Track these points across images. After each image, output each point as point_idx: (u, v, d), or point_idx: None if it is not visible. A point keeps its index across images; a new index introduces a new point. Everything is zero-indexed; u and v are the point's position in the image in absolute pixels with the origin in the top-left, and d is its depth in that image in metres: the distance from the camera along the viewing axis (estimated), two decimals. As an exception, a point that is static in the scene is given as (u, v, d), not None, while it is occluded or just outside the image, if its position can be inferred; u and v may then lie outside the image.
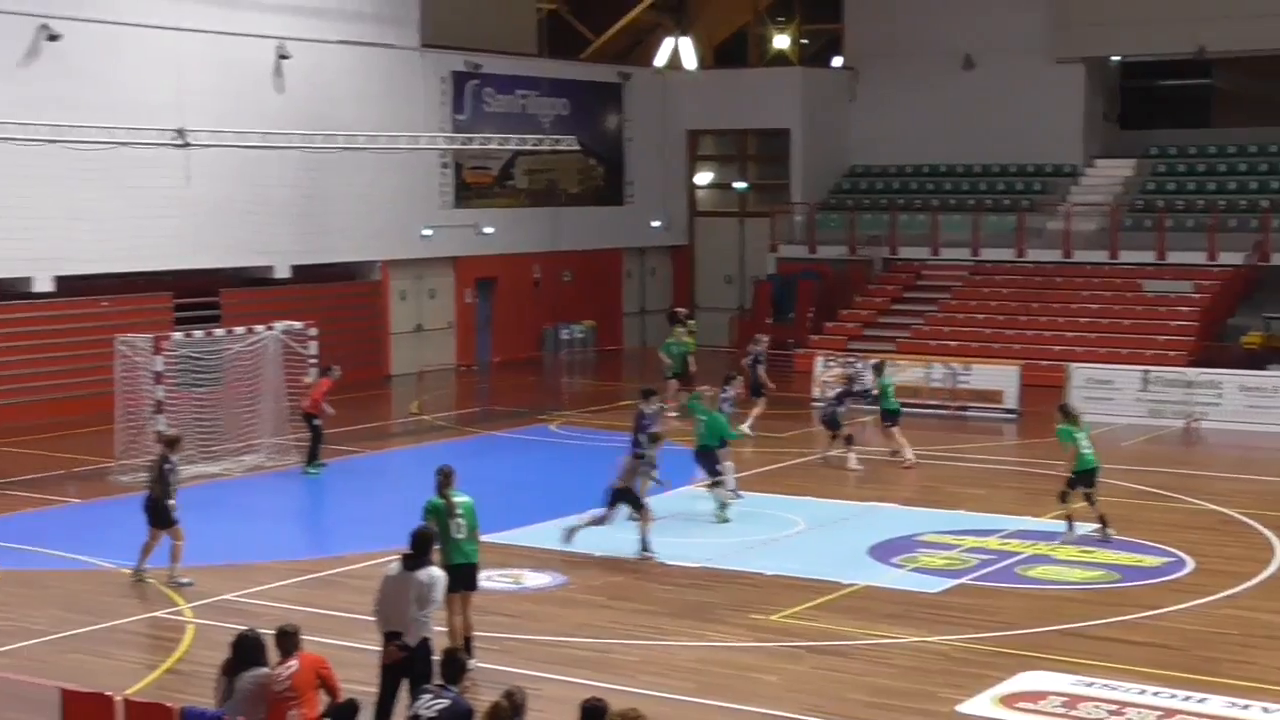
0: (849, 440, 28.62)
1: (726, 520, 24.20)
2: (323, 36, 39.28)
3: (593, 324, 47.94)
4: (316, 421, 28.25)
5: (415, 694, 11.90)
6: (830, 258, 46.55)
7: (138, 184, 35.00)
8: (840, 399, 29.13)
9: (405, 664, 14.24)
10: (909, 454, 28.63)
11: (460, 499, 17.04)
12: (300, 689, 12.67)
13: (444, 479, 17.11)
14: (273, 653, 12.99)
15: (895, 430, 29.01)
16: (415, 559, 14.54)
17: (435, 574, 14.54)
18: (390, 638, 14.34)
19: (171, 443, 21.26)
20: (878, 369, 30.08)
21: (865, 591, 20.15)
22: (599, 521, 21.88)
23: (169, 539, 20.49)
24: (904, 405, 30.27)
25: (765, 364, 33.52)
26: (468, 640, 16.71)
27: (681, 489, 25.47)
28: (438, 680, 11.87)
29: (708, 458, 24.79)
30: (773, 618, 18.90)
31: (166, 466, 20.72)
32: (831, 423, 28.95)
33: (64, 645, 17.85)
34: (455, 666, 11.96)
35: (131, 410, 27.81)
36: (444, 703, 11.60)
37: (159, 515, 20.55)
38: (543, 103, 45.53)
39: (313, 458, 28.12)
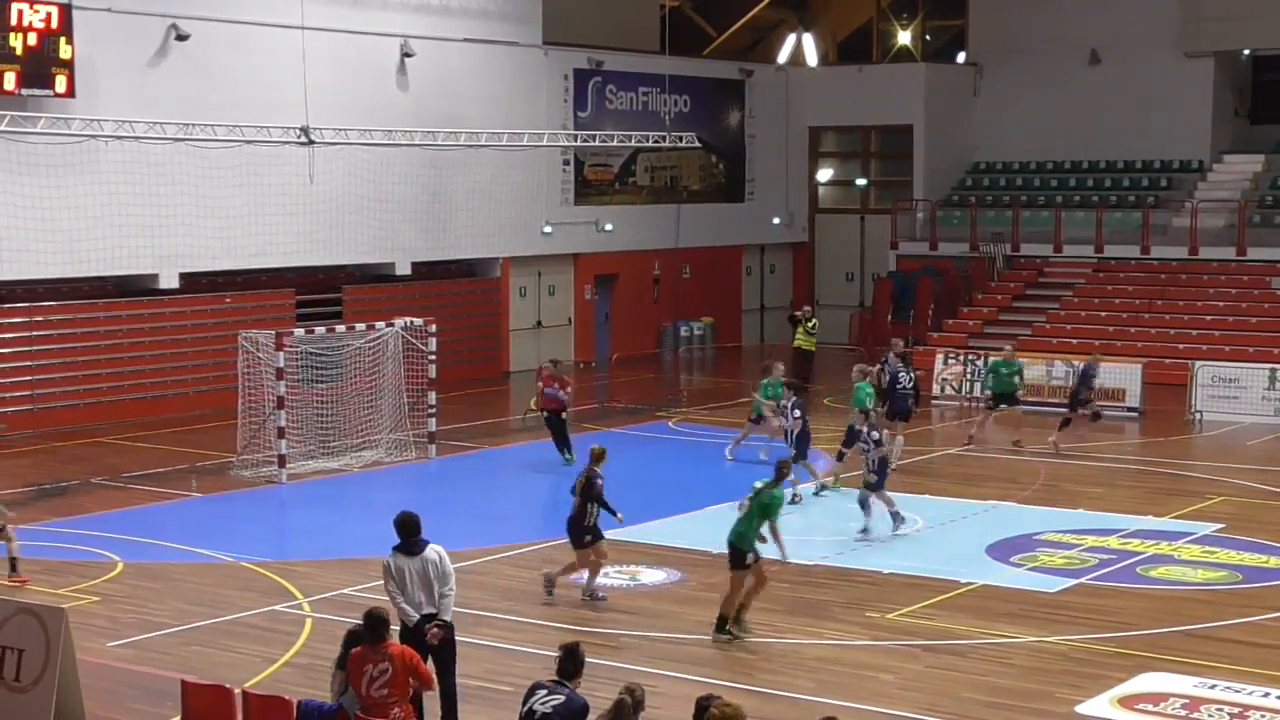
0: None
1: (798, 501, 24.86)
2: (446, 34, 39.52)
3: (712, 321, 47.87)
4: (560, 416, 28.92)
5: (530, 689, 11.87)
6: (952, 255, 46.15)
7: (262, 182, 35.41)
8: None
9: (443, 644, 14.33)
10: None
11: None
12: (397, 691, 12.61)
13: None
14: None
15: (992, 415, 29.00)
16: (415, 542, 14.45)
17: (441, 550, 14.54)
18: (425, 620, 14.22)
19: (598, 457, 20.40)
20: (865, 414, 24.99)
21: (983, 590, 19.95)
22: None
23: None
24: (1026, 403, 29.94)
25: (907, 372, 30.14)
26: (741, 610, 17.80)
27: (799, 486, 25.34)
28: (552, 676, 11.86)
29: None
30: (889, 616, 18.77)
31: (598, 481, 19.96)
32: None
33: (185, 637, 18.07)
34: (572, 662, 11.92)
35: (253, 406, 28.13)
36: (559, 698, 11.56)
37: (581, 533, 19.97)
38: (664, 100, 45.51)
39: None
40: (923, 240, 47.20)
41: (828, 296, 49.70)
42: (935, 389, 36.52)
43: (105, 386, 33.54)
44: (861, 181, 51.57)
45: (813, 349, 38.63)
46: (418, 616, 14.24)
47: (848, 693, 15.92)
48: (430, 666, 13.39)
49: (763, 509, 18.16)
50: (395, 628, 13.22)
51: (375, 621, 12.74)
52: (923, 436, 31.74)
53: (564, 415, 28.90)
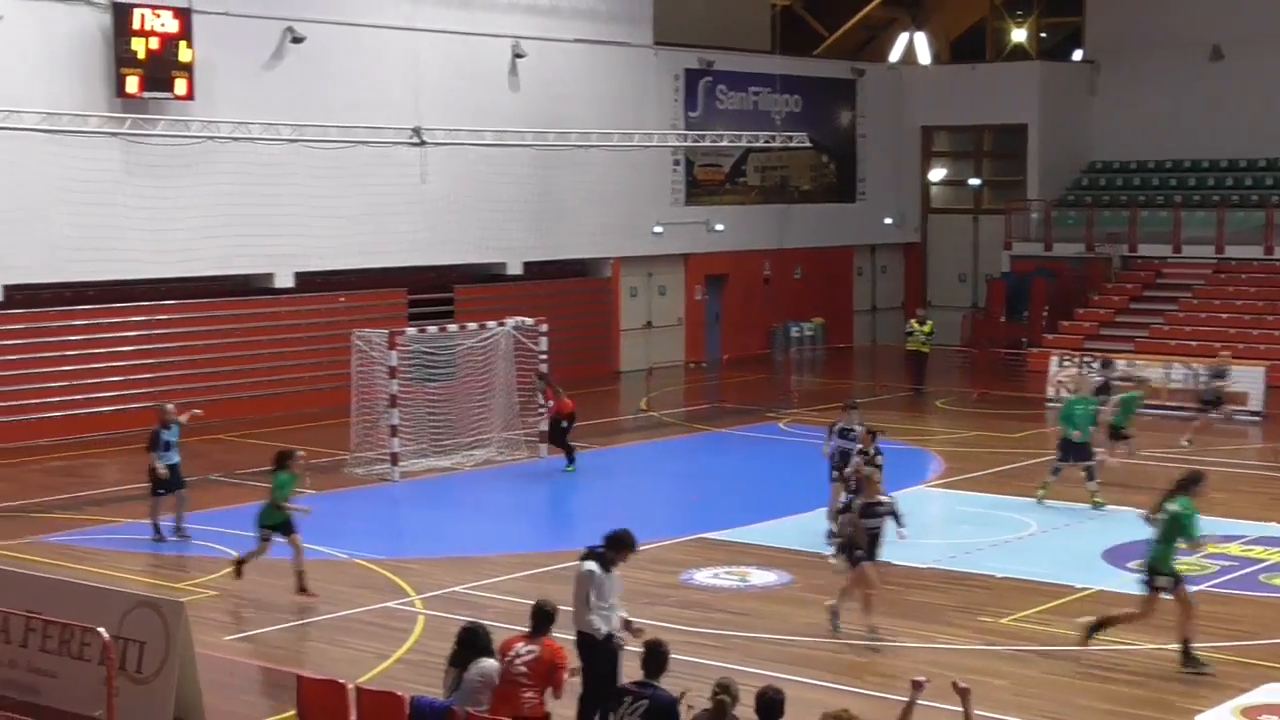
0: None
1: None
2: (557, 35, 39.64)
3: (822, 321, 47.69)
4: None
5: (614, 696, 11.88)
6: (1067, 255, 45.65)
7: (375, 182, 35.69)
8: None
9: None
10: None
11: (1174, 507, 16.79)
12: (536, 676, 12.71)
13: None
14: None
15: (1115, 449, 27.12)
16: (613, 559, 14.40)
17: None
18: (608, 638, 14.13)
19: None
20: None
21: (1099, 596, 19.68)
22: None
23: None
24: (1145, 406, 29.47)
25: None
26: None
27: (911, 489, 25.17)
28: (633, 680, 11.87)
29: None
30: (1003, 621, 18.59)
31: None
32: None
33: (300, 633, 18.25)
34: (656, 660, 11.94)
35: (366, 404, 28.34)
36: (644, 703, 11.59)
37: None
38: (775, 99, 45.39)
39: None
40: (1037, 241, 46.73)
41: (940, 298, 49.33)
42: (1050, 392, 36.15)
43: (222, 384, 33.93)
44: (975, 181, 51.19)
45: (927, 350, 38.35)
46: (607, 630, 14.15)
47: (958, 697, 15.73)
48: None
49: (1177, 525, 16.81)
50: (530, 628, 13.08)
51: (539, 612, 13.02)
52: (1037, 440, 31.40)
53: (563, 425, 28.52)
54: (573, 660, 13.54)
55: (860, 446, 22.28)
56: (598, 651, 14.04)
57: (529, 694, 12.70)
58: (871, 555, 18.14)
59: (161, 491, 22.70)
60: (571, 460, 28.24)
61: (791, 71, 45.84)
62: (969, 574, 20.86)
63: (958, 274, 50.26)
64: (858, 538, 18.08)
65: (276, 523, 19.92)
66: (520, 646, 12.88)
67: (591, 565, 14.34)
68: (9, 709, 15.01)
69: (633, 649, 13.29)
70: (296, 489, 20.04)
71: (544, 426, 29.04)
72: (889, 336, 49.45)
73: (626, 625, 14.42)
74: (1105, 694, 16.04)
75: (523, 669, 12.73)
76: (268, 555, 21.48)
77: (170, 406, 23.39)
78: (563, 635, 13.39)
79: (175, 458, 22.81)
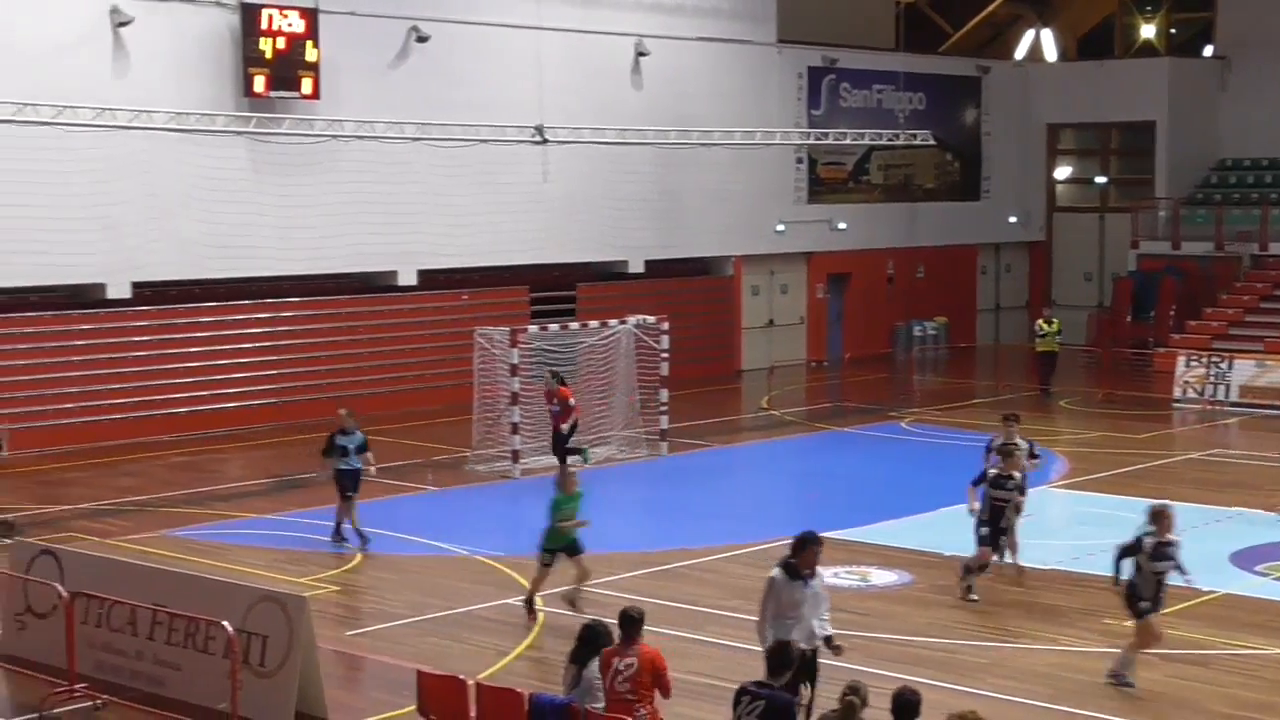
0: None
1: None
2: (680, 34, 39.64)
3: (946, 320, 47.34)
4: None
5: (736, 696, 11.82)
6: (1195, 254, 44.94)
7: (498, 180, 35.89)
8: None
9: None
10: None
11: None
12: (640, 687, 12.57)
13: None
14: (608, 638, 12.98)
15: None
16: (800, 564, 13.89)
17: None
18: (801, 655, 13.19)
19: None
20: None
21: (1226, 599, 19.39)
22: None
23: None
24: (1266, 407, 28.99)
25: None
26: None
27: (1036, 489, 24.88)
28: (755, 679, 11.81)
29: None
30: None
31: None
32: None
33: (420, 628, 18.35)
34: (779, 659, 11.88)
35: (488, 401, 28.48)
36: (761, 703, 11.55)
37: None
38: (899, 97, 45.12)
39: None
40: (1165, 239, 46.05)
41: (1065, 297, 48.80)
42: (1176, 392, 35.70)
43: (345, 381, 34.24)
44: (1101, 179, 50.57)
45: (1058, 350, 37.87)
46: (775, 642, 13.03)
47: (1083, 701, 15.59)
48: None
49: None
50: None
51: (625, 619, 12.79)
52: (1164, 441, 31.00)
53: (563, 429, 27.05)
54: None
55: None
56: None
57: (642, 709, 12.49)
58: (1157, 605, 16.34)
59: (351, 494, 22.26)
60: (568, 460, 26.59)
61: (916, 69, 45.55)
62: (1093, 575, 20.52)
63: (1083, 273, 49.68)
64: (1143, 586, 16.25)
65: (561, 545, 18.75)
66: (618, 662, 12.62)
67: (774, 571, 13.86)
68: (136, 700, 15.25)
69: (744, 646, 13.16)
70: (571, 510, 18.81)
71: (566, 427, 27.00)
72: (1012, 336, 49.00)
73: (827, 641, 13.82)
74: (1232, 699, 15.78)
75: (626, 686, 12.54)
76: (389, 550, 21.69)
77: (344, 412, 22.92)
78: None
79: (355, 463, 22.30)
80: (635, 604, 13.30)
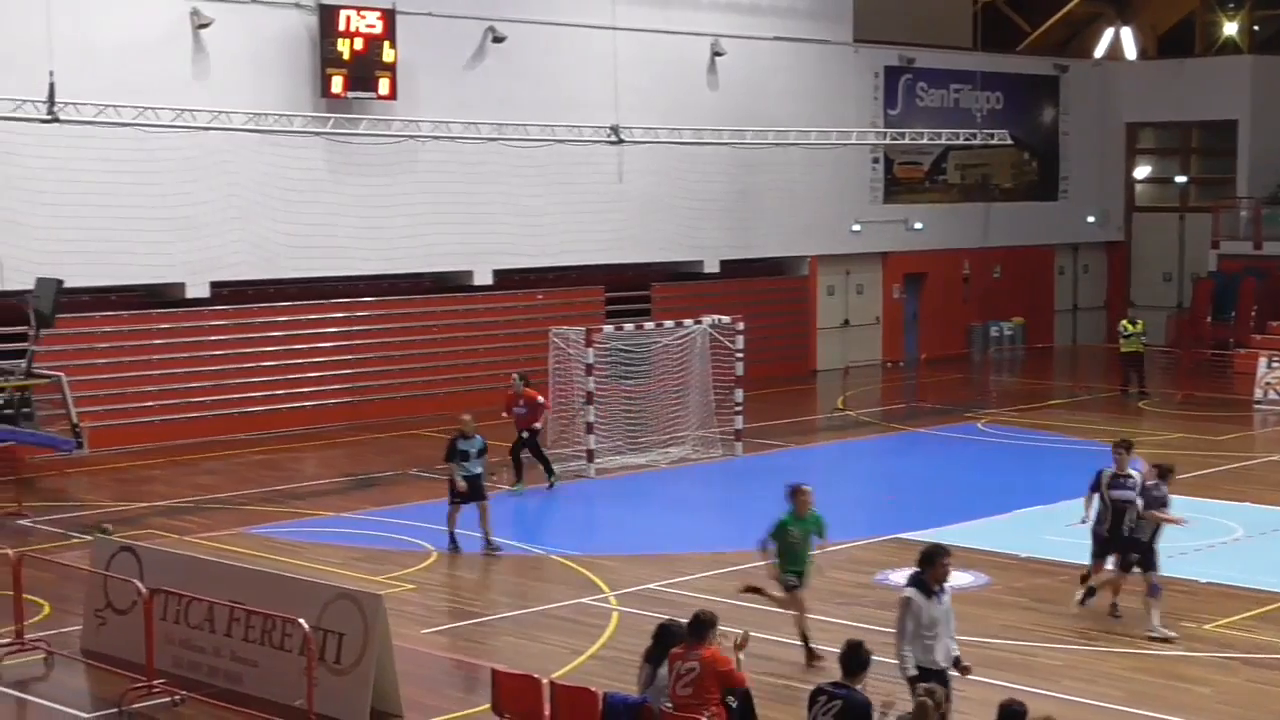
0: None
1: None
2: (756, 33, 39.59)
3: (1022, 321, 47.05)
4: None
5: (812, 695, 11.77)
6: (1277, 254, 44.46)
7: (573, 180, 35.96)
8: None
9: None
10: None
11: None
12: (701, 691, 12.48)
13: None
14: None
15: None
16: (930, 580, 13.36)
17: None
18: (921, 676, 12.93)
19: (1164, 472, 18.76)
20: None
21: (1309, 603, 19.17)
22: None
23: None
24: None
25: None
26: None
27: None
28: (832, 680, 11.76)
29: None
30: (1206, 627, 18.16)
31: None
32: None
33: (495, 627, 18.40)
34: (854, 660, 11.82)
35: (563, 401, 28.52)
36: (838, 703, 11.49)
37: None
38: (976, 96, 44.89)
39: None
40: (1246, 239, 45.60)
41: (1144, 297, 48.41)
42: (1258, 394, 35.36)
43: (421, 380, 34.43)
44: (1181, 179, 50.10)
45: (1143, 350, 37.46)
46: (915, 670, 13.03)
47: (1161, 704, 15.44)
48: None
49: None
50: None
51: (694, 622, 12.71)
52: (1244, 443, 30.69)
53: (529, 433, 26.10)
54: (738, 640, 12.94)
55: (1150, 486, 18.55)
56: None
57: (705, 713, 12.38)
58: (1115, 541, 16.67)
59: (457, 501, 21.93)
60: (521, 479, 26.17)
61: (993, 68, 45.32)
62: (1172, 579, 20.35)
63: (1162, 273, 49.24)
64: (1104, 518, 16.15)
65: (803, 567, 17.41)
66: (680, 665, 12.54)
67: (908, 591, 13.28)
68: (213, 696, 15.37)
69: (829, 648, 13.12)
70: (803, 532, 17.42)
71: (539, 426, 26.19)
72: (1090, 336, 48.65)
73: (955, 662, 13.43)
74: (1313, 705, 15.60)
75: (688, 690, 12.48)
76: (465, 549, 21.76)
77: (467, 417, 22.53)
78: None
79: (476, 469, 21.86)
80: (709, 607, 13.26)
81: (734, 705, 12.66)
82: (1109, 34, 50.17)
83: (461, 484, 21.82)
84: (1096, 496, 18.64)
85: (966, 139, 40.21)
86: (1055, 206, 48.29)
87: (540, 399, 26.23)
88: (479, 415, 32.99)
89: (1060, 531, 21.34)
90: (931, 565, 13.29)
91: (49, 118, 25.43)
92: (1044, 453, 30.05)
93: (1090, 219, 48.98)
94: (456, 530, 22.02)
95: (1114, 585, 18.57)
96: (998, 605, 19.17)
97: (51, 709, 15.61)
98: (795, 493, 17.36)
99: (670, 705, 12.50)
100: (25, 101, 25.58)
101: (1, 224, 27.79)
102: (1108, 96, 48.94)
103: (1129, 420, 33.58)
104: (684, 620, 13.19)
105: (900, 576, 20.33)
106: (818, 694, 11.69)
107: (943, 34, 45.78)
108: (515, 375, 26.46)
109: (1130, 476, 18.54)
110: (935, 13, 46.30)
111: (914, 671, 12.98)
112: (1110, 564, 18.62)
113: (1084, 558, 18.98)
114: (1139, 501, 18.19)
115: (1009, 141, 41.42)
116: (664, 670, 12.82)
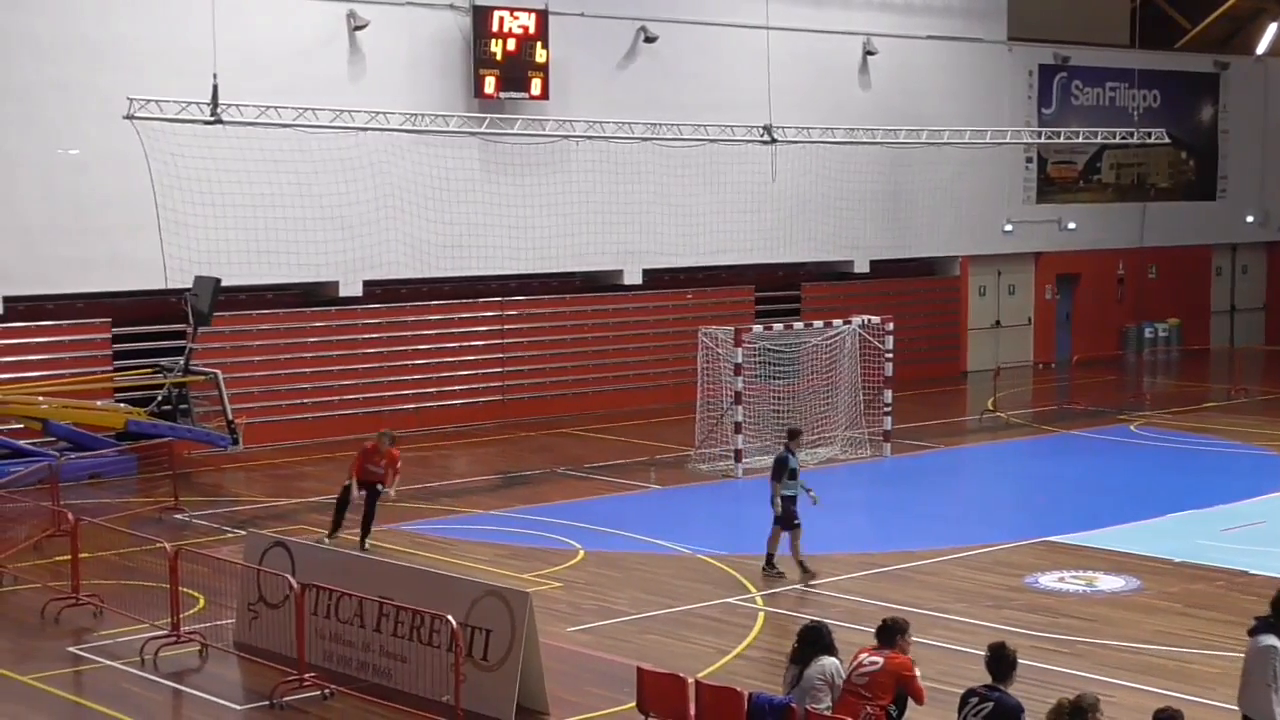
0: None
1: None
2: (909, 32, 39.35)
3: (1178, 322, 46.32)
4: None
5: (963, 698, 11.71)
6: None
7: (725, 180, 35.96)
8: None
9: None
10: None
11: None
12: (875, 689, 12.54)
13: None
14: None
15: None
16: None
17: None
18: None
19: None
20: None
21: None
22: None
23: None
24: None
25: None
26: None
27: (1269, 495, 24.27)
28: (984, 683, 11.67)
29: None
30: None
31: None
32: None
33: (641, 625, 18.45)
34: (999, 663, 11.73)
35: (711, 401, 28.55)
36: (989, 705, 11.42)
37: None
38: (1133, 95, 44.23)
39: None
40: None
41: (1306, 298, 47.52)
42: None
43: (570, 379, 34.62)
44: (1344, 178, 49.07)
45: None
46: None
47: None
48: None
49: None
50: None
51: (882, 627, 12.87)
52: None
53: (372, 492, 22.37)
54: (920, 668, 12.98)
55: None
56: None
57: (869, 708, 12.46)
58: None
59: (779, 524, 20.66)
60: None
61: (1150, 66, 44.63)
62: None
63: (1326, 275, 48.28)
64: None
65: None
66: (865, 658, 12.71)
67: (1271, 639, 12.05)
68: (362, 691, 15.58)
69: (975, 650, 13.01)
70: None
71: (383, 488, 22.36)
72: (1248, 338, 47.76)
73: None
74: None
75: (863, 680, 12.56)
76: (612, 548, 21.84)
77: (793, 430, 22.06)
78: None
79: (794, 489, 20.76)
80: (899, 615, 13.29)
81: (895, 716, 12.66)
82: (1272, 29, 49.18)
83: (777, 505, 20.66)
84: None
85: (1123, 138, 39.66)
86: (1213, 206, 47.47)
87: (399, 463, 22.70)
88: (626, 413, 33.26)
89: (1214, 536, 21.06)
90: None
91: (212, 119, 25.94)
92: (1198, 456, 29.57)
93: (1250, 218, 48.09)
94: (799, 557, 20.59)
95: None
96: (1150, 610, 18.90)
97: (206, 700, 15.91)
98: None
99: (821, 708, 12.49)
100: (190, 104, 26.10)
101: (166, 224, 28.31)
102: (1270, 94, 48.03)
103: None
104: (830, 622, 13.23)
105: (1050, 579, 20.21)
106: (969, 695, 11.63)
107: (1100, 32, 45.18)
108: (386, 432, 23.01)
109: None
110: (1092, 10, 45.70)
111: None
112: None
113: (1239, 562, 18.65)
114: None
115: (1166, 140, 40.78)
116: (810, 671, 12.83)
